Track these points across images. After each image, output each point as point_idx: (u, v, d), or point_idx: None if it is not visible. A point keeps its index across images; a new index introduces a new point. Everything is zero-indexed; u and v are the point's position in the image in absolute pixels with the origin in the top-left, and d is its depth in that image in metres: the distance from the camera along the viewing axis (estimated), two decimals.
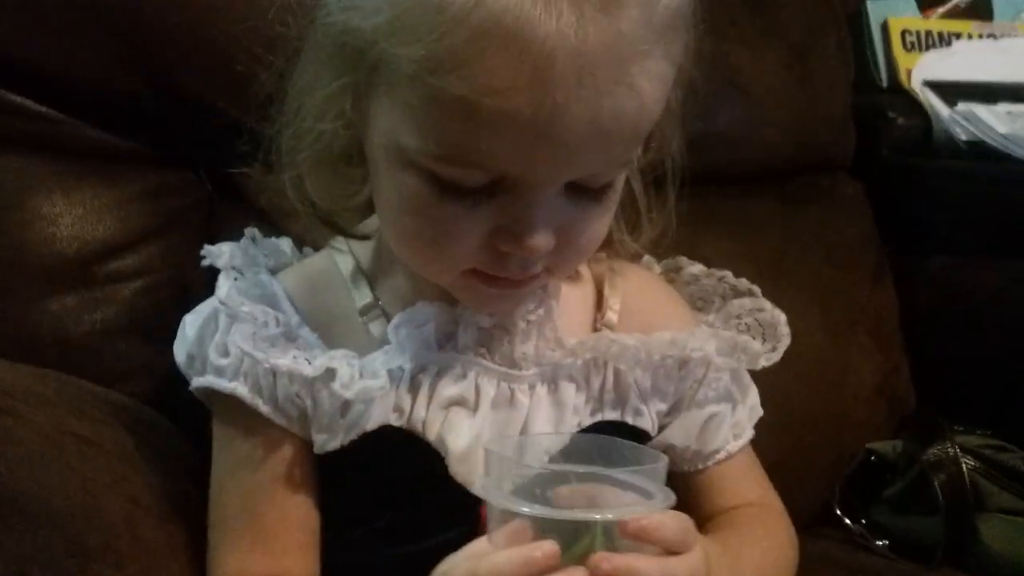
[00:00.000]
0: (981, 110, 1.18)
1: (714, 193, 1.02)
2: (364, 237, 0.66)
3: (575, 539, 0.50)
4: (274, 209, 0.82)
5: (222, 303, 0.64)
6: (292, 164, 0.62)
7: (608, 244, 0.66)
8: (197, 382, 0.65)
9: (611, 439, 0.56)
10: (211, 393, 0.65)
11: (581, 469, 0.53)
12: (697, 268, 0.78)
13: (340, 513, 0.65)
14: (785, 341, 0.72)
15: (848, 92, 1.15)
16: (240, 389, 0.63)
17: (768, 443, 0.94)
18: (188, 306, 0.71)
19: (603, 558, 0.49)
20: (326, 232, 0.68)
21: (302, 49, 0.60)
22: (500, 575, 0.49)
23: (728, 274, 0.77)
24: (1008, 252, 1.09)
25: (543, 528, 0.49)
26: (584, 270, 0.70)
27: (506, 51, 0.47)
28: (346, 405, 0.61)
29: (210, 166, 0.87)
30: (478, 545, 0.52)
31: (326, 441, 0.62)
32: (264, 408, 0.63)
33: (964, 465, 0.91)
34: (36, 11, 0.79)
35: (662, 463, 0.53)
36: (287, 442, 0.63)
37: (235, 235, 0.75)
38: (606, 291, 0.69)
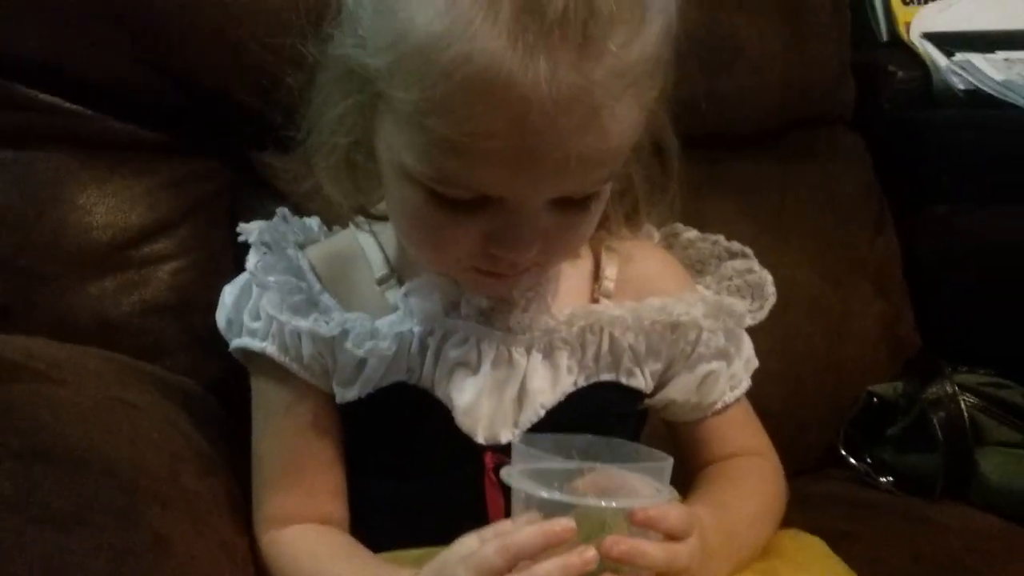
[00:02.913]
0: (978, 59, 1.20)
1: (712, 155, 1.06)
2: (383, 217, 0.72)
3: (588, 526, 0.55)
4: (293, 193, 0.86)
5: (252, 274, 0.72)
6: (316, 170, 0.68)
7: (605, 226, 0.71)
8: (235, 343, 0.73)
9: (623, 442, 0.62)
10: (247, 353, 0.72)
11: (596, 465, 0.59)
12: (692, 233, 0.82)
13: (360, 458, 0.72)
14: (771, 300, 0.76)
15: (845, 47, 1.18)
16: (270, 348, 0.70)
17: (773, 389, 0.99)
18: (217, 285, 0.77)
19: (616, 540, 0.54)
20: (348, 215, 0.74)
21: (317, 69, 0.66)
22: (524, 546, 0.54)
23: (721, 238, 0.81)
24: (1007, 198, 1.12)
25: (560, 513, 0.55)
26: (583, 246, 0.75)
27: (489, 100, 0.53)
28: (361, 362, 0.68)
29: (232, 155, 0.92)
30: (503, 524, 0.58)
31: (345, 393, 0.69)
32: (292, 365, 0.70)
33: (963, 402, 0.95)
34: (61, 17, 0.84)
35: (667, 463, 0.59)
36: (313, 394, 0.70)
37: (258, 217, 0.80)
38: (603, 262, 0.74)
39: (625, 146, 0.59)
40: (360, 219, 0.74)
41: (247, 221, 0.79)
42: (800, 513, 0.77)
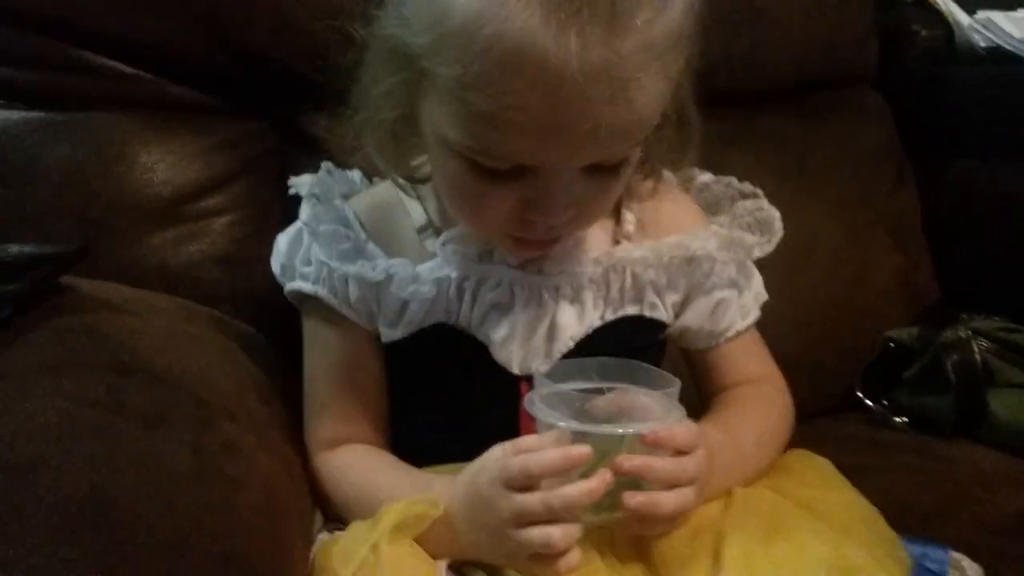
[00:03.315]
0: (998, 16, 1.23)
1: (737, 111, 1.11)
2: (425, 179, 0.78)
3: (605, 448, 0.61)
4: (337, 153, 0.92)
5: (305, 224, 0.78)
6: (363, 142, 0.74)
7: (627, 188, 0.76)
8: (289, 286, 0.79)
9: (638, 363, 0.67)
10: (300, 295, 0.79)
11: (614, 386, 0.65)
12: (707, 176, 0.87)
13: (403, 397, 0.78)
14: (778, 235, 0.81)
15: (868, 8, 1.21)
16: (321, 291, 0.76)
17: (794, 337, 1.04)
18: (267, 237, 0.84)
19: (625, 458, 0.61)
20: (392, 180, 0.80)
21: (364, 48, 0.71)
22: (546, 466, 0.60)
23: (733, 180, 0.86)
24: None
25: (579, 439, 0.61)
26: None
27: (523, 75, 0.57)
28: (404, 305, 0.74)
29: (281, 118, 0.98)
30: (528, 440, 0.64)
31: (390, 333, 0.75)
32: (341, 307, 0.76)
33: (976, 345, 0.98)
34: None
35: (676, 386, 0.65)
36: (360, 333, 0.77)
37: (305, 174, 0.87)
38: (623, 207, 0.80)
39: (653, 116, 0.63)
40: (402, 181, 0.79)
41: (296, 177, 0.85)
42: (815, 450, 0.80)
